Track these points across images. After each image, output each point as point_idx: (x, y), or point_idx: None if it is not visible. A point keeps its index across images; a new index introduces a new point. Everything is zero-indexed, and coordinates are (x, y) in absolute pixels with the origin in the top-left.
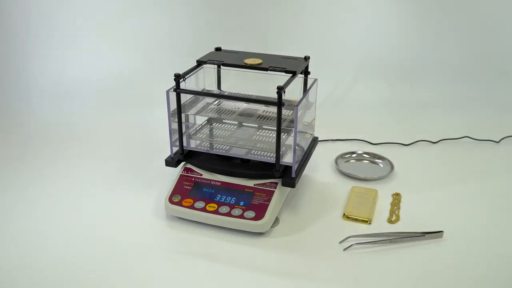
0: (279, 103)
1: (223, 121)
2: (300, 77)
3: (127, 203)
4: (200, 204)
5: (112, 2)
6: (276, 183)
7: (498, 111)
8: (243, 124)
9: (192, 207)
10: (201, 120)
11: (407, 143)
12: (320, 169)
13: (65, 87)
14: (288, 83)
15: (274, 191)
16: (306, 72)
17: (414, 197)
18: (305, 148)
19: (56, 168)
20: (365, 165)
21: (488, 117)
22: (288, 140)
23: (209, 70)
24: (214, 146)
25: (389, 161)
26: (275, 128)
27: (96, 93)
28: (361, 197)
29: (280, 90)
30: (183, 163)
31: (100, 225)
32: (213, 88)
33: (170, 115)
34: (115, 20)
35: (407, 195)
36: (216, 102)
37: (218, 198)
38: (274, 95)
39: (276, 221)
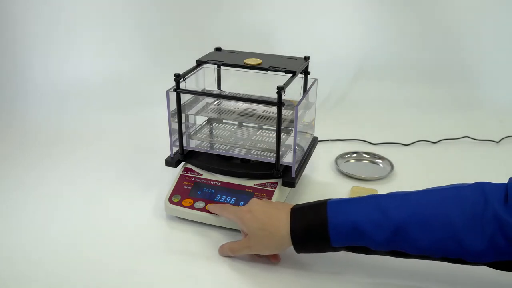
0: (279, 103)
1: (223, 121)
2: (300, 77)
3: (126, 203)
4: (200, 204)
5: (112, 1)
6: (276, 183)
7: (498, 111)
8: (243, 124)
9: (192, 207)
10: (201, 120)
11: (407, 143)
12: (320, 169)
13: (64, 87)
14: (288, 83)
15: (274, 191)
16: (306, 72)
17: None
18: (305, 148)
19: (55, 168)
20: (365, 165)
21: (488, 117)
22: (288, 140)
23: (209, 70)
24: (214, 146)
25: (389, 161)
26: (275, 128)
27: (95, 93)
28: None
29: (280, 90)
30: (183, 163)
31: (100, 225)
32: (213, 88)
33: (170, 115)
34: (115, 20)
35: None
36: (216, 102)
37: (218, 198)
38: (274, 95)
39: None
